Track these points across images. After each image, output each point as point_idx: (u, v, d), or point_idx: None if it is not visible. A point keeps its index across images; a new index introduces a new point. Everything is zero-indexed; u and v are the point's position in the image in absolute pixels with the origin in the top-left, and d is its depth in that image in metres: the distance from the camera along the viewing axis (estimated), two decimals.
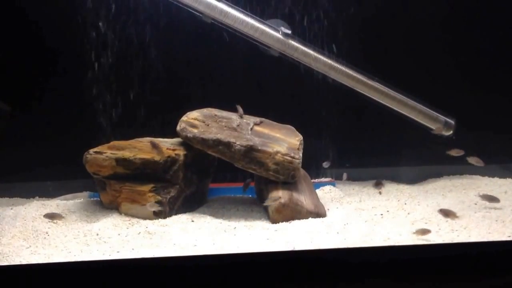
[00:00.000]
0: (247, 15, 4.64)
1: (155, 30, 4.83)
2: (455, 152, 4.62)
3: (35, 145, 4.92)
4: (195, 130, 4.24)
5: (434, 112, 4.94)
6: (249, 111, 4.55)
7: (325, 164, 4.80)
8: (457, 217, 3.59)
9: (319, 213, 4.14)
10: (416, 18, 5.08)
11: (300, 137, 4.42)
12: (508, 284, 3.22)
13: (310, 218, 4.06)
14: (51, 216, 4.09)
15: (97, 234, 3.81)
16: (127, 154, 4.25)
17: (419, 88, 4.94)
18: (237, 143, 4.17)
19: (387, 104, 4.89)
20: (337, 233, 3.70)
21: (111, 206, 4.34)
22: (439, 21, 5.11)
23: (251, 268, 3.17)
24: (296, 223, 3.99)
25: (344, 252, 3.32)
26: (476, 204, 4.27)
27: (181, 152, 4.30)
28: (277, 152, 4.17)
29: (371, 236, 3.57)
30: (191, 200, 4.41)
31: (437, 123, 4.95)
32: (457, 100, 5.08)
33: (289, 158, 4.18)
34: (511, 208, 4.09)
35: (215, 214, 4.29)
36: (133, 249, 3.54)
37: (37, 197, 4.91)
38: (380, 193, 4.88)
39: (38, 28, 4.86)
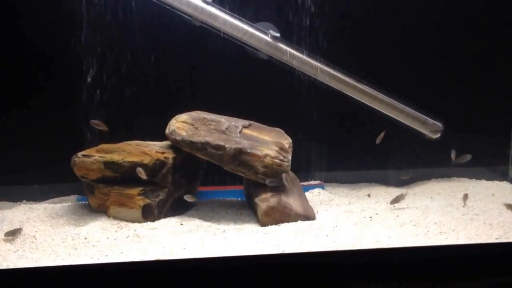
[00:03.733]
0: (236, 18, 4.64)
1: (144, 33, 4.81)
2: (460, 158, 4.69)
3: (23, 148, 4.88)
4: (184, 133, 4.23)
5: (423, 115, 4.96)
6: (237, 114, 4.56)
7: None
8: None
9: (308, 216, 4.14)
10: (405, 20, 5.10)
11: (289, 140, 4.43)
12: (495, 286, 3.25)
13: (299, 221, 4.06)
14: (13, 233, 3.82)
15: (85, 238, 3.78)
16: (115, 157, 4.23)
17: (407, 91, 4.96)
18: (226, 146, 4.17)
19: (375, 107, 4.90)
20: (326, 235, 3.71)
21: (100, 210, 4.31)
22: (429, 23, 5.13)
23: (240, 271, 3.17)
24: (285, 226, 3.99)
25: (333, 255, 3.32)
26: (464, 206, 4.30)
27: (169, 155, 4.29)
28: (266, 155, 4.17)
29: (360, 239, 3.58)
30: (180, 203, 4.40)
31: (426, 126, 4.97)
32: (444, 102, 5.10)
33: (278, 161, 4.18)
34: (499, 211, 4.12)
35: (204, 217, 4.28)
36: (121, 252, 3.52)
37: (24, 201, 4.87)
38: (369, 195, 4.90)
39: (26, 30, 4.82)
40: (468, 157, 4.69)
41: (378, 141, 4.67)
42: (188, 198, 4.28)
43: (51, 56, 4.86)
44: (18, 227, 4.00)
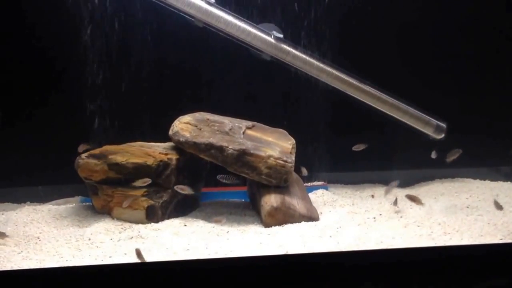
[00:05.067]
0: (239, 19, 4.64)
1: (147, 34, 4.82)
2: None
3: (27, 149, 4.90)
4: (187, 134, 4.23)
5: (426, 116, 4.95)
6: (241, 115, 4.56)
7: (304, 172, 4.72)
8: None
9: (312, 217, 4.14)
10: (406, 21, 5.10)
11: (293, 141, 4.43)
12: (500, 287, 3.24)
13: (303, 222, 4.06)
14: None
15: (89, 239, 3.79)
16: (119, 158, 4.24)
17: (410, 91, 4.95)
18: (230, 147, 4.17)
19: (379, 108, 4.90)
20: (330, 236, 3.70)
21: (103, 211, 4.32)
22: (430, 24, 5.13)
23: (244, 272, 3.17)
24: (289, 227, 3.99)
25: (337, 255, 3.32)
26: (468, 207, 4.29)
27: (173, 156, 4.29)
28: (270, 156, 4.17)
29: (364, 240, 3.58)
30: (183, 204, 4.40)
31: (429, 126, 4.96)
32: (447, 103, 5.10)
33: (281, 162, 4.18)
34: (503, 211, 4.11)
35: (208, 219, 4.28)
36: (125, 254, 3.53)
37: (28, 202, 4.88)
38: (372, 196, 4.89)
39: (29, 33, 4.83)
40: (457, 151, 4.65)
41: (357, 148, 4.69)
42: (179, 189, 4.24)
43: (55, 59, 4.87)
44: (23, 228, 4.02)
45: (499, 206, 3.97)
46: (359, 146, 4.62)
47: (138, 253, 3.58)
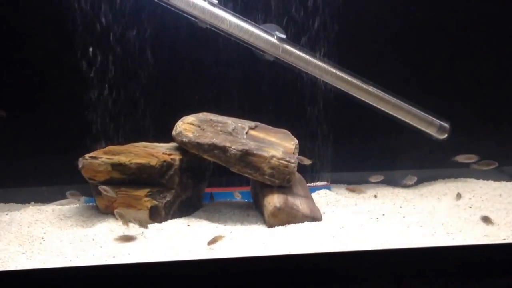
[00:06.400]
0: (242, 20, 4.65)
1: (150, 34, 4.83)
2: (463, 158, 4.59)
3: (31, 150, 4.91)
4: (191, 135, 4.24)
5: (429, 116, 4.95)
6: (244, 115, 4.57)
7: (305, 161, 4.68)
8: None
9: (314, 217, 4.14)
10: (409, 21, 5.10)
11: (296, 141, 4.43)
12: (503, 287, 3.24)
13: (306, 222, 4.07)
14: None
15: (93, 239, 3.80)
16: (122, 159, 4.25)
17: (413, 91, 4.96)
18: (233, 147, 4.18)
19: (382, 108, 4.90)
20: (333, 236, 3.71)
21: (107, 211, 4.33)
22: (433, 23, 5.12)
23: (247, 272, 3.18)
24: (292, 227, 4.00)
25: (340, 255, 3.33)
26: (471, 207, 4.29)
27: (176, 156, 4.30)
28: (273, 157, 4.18)
29: (367, 240, 3.58)
30: (187, 204, 4.41)
31: (432, 126, 4.96)
32: (451, 103, 5.10)
33: (284, 162, 4.19)
34: (506, 211, 4.11)
35: (211, 219, 4.29)
36: (129, 254, 3.54)
37: (32, 203, 4.91)
38: (375, 196, 4.89)
39: (31, 33, 4.85)
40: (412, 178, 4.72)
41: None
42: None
43: (58, 60, 4.88)
44: (27, 228, 4.04)
45: (486, 220, 3.88)
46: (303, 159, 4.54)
47: (120, 215, 3.64)
